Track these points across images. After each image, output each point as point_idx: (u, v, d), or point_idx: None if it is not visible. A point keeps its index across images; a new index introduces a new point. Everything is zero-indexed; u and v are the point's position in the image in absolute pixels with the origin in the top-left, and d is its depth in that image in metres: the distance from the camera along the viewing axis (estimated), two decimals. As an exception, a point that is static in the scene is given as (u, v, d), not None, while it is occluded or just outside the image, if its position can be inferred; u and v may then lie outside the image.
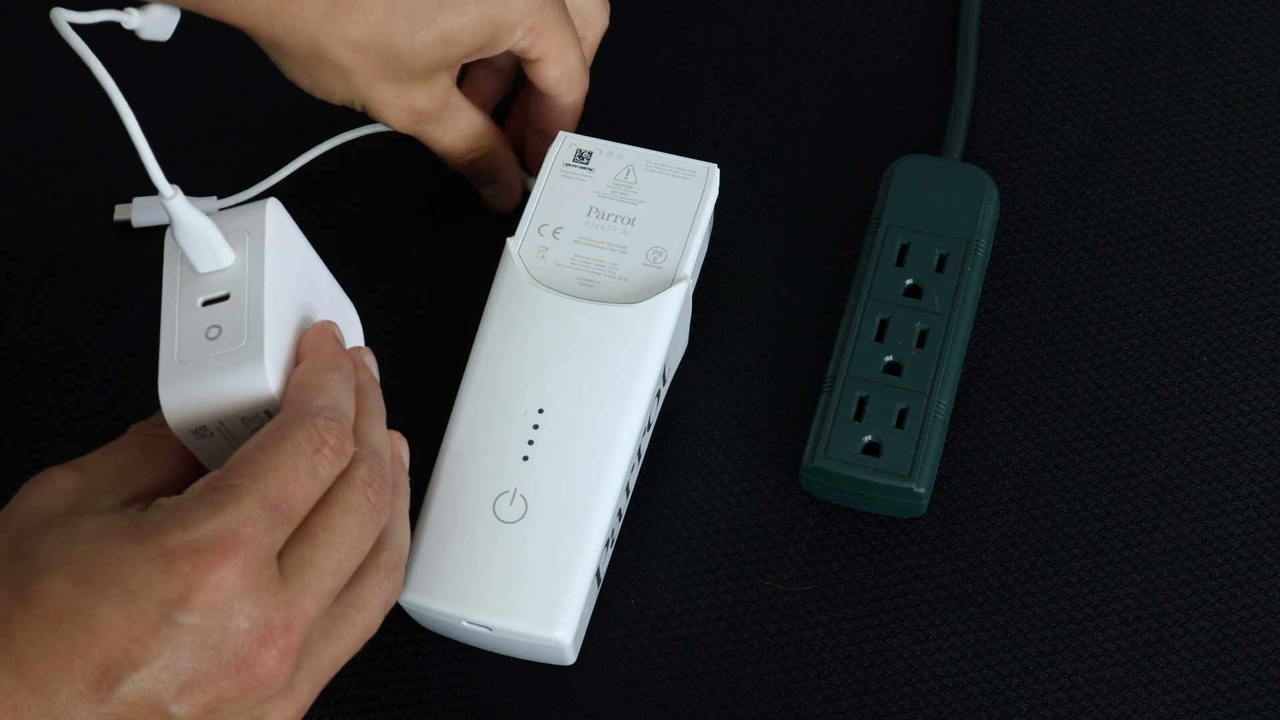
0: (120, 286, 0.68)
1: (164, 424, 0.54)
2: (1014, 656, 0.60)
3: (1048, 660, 0.60)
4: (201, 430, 0.53)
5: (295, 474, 0.49)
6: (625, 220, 0.63)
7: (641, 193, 0.63)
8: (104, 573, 0.46)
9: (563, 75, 0.65)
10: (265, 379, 0.52)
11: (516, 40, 0.63)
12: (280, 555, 0.49)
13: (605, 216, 0.63)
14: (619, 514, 0.61)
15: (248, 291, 0.53)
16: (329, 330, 0.55)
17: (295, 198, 0.69)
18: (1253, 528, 0.62)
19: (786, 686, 0.60)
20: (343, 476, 0.51)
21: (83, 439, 0.65)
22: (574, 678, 0.60)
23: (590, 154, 0.64)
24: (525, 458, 0.59)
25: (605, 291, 0.61)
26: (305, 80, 0.62)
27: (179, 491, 0.50)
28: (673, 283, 0.61)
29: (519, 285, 0.61)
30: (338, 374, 0.53)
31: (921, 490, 0.61)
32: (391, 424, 0.66)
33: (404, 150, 0.71)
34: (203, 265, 0.54)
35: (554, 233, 0.62)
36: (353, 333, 0.60)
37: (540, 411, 0.59)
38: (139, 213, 0.69)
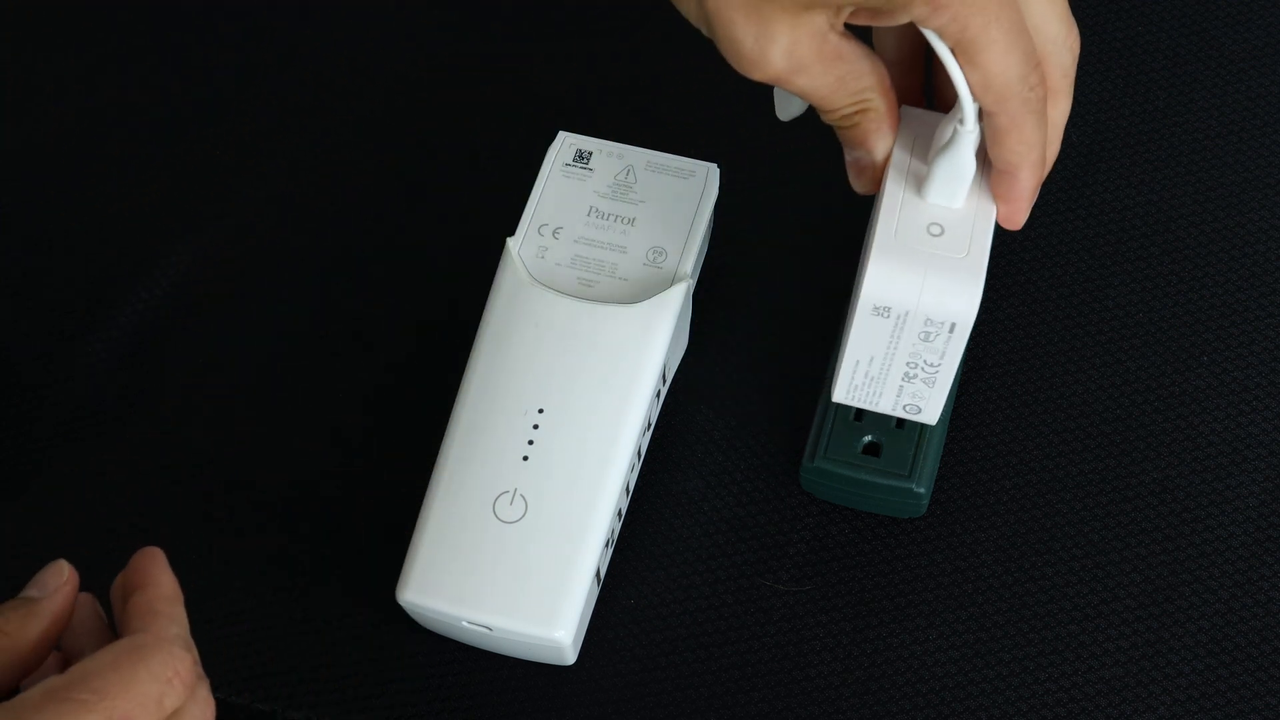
0: (121, 285, 0.68)
1: (12, 622, 0.50)
2: (1014, 656, 0.60)
3: (1048, 660, 0.60)
4: (883, 311, 0.54)
5: (144, 701, 0.47)
6: (625, 220, 0.63)
7: (641, 192, 0.63)
8: None
9: (985, 88, 0.51)
10: (974, 301, 0.53)
11: (916, 11, 0.49)
12: None
13: (605, 216, 0.63)
14: (619, 514, 0.61)
15: (978, 210, 0.54)
16: (161, 560, 0.52)
17: (296, 196, 0.69)
18: (1253, 528, 0.62)
19: (786, 686, 0.60)
20: (181, 708, 0.49)
21: (83, 439, 0.65)
22: (574, 678, 0.60)
23: (590, 154, 0.64)
24: (525, 458, 0.59)
25: (605, 291, 0.61)
26: None
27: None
28: (673, 283, 0.61)
29: (519, 285, 0.61)
30: (180, 606, 0.51)
31: (921, 490, 0.61)
32: (391, 425, 0.66)
33: (403, 148, 0.71)
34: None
35: (554, 232, 0.62)
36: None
37: (540, 411, 0.59)
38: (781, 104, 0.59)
